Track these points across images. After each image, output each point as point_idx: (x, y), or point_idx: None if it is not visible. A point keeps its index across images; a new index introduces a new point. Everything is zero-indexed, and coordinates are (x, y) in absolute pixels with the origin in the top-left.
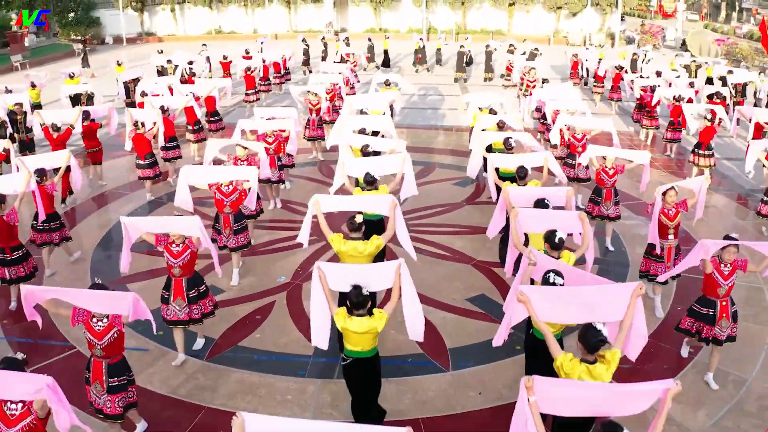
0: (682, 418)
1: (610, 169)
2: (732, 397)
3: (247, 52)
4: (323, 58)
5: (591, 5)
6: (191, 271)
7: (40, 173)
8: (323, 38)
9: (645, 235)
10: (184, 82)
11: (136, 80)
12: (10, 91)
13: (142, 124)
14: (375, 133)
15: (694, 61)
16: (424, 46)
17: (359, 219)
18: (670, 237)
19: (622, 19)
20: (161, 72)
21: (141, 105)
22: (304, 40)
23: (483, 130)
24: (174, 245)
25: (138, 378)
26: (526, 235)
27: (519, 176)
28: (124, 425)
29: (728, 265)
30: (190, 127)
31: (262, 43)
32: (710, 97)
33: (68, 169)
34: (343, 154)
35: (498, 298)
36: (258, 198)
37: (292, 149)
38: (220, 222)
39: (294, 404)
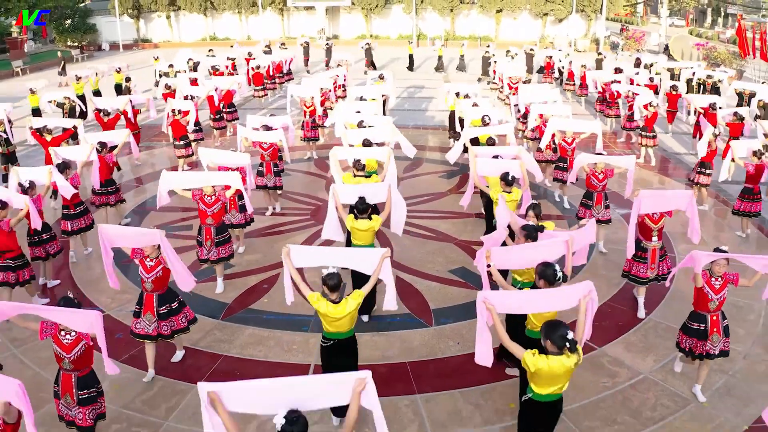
0: (632, 363)
1: (599, 174)
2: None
3: (250, 54)
4: (305, 62)
5: (576, 11)
6: (164, 287)
7: (102, 145)
8: (303, 43)
9: None
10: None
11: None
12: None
13: (179, 111)
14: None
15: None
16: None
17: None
18: (654, 239)
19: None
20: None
21: (165, 96)
22: (306, 44)
23: (462, 119)
24: (148, 259)
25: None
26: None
27: (506, 182)
28: None
29: (719, 279)
30: (211, 116)
31: (267, 47)
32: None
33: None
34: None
35: (476, 270)
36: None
37: (287, 158)
38: (202, 234)
39: (299, 352)
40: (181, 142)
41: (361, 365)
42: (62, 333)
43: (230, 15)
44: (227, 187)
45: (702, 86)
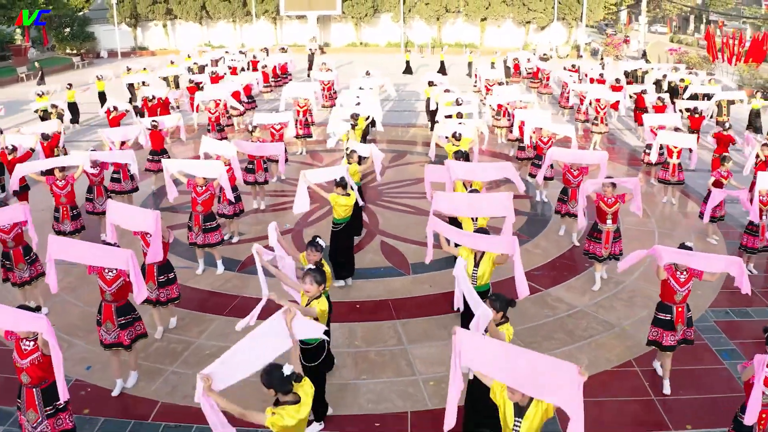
0: (571, 300)
1: (575, 170)
2: (611, 290)
3: (255, 57)
4: (309, 67)
5: (557, 19)
6: (123, 299)
7: (154, 123)
8: (282, 48)
9: None
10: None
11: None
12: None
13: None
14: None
15: (640, 68)
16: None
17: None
18: (608, 222)
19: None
20: (166, 80)
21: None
22: (311, 50)
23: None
24: (107, 271)
25: (188, 283)
26: None
27: (456, 138)
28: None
29: (684, 272)
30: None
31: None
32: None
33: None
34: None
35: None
36: (239, 200)
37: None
38: (192, 220)
39: None
40: (154, 157)
41: (351, 302)
42: (106, 270)
43: (225, 24)
44: (230, 169)
45: (674, 89)
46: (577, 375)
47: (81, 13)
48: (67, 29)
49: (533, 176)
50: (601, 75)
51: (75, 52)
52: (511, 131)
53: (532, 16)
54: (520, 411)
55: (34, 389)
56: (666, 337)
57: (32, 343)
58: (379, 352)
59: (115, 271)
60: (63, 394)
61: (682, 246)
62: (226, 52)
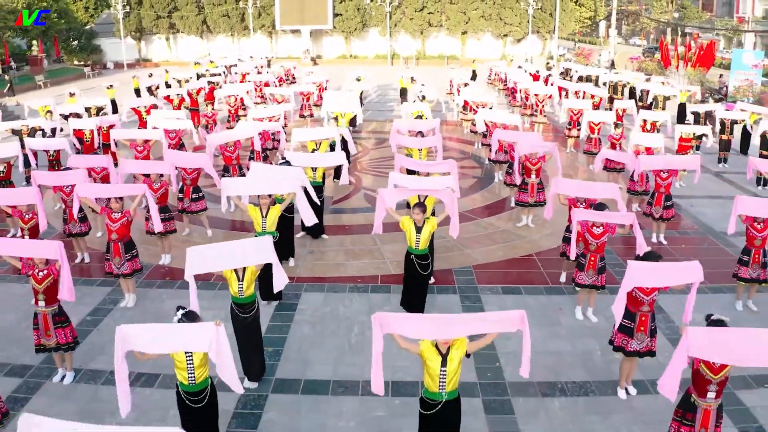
0: (526, 234)
1: (534, 159)
2: None
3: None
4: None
5: (532, 33)
6: (125, 237)
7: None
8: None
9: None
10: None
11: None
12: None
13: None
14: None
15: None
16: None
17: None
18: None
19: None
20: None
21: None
22: (313, 59)
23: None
24: (38, 271)
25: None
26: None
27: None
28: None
29: (599, 226)
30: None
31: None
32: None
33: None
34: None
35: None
36: (170, 219)
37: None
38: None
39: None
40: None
41: (343, 225)
42: (113, 214)
43: (224, 37)
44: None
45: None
46: (521, 319)
47: (88, 27)
48: (75, 42)
49: (510, 185)
50: (537, 71)
51: (82, 63)
52: (474, 124)
53: (508, 30)
54: (444, 360)
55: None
56: (627, 344)
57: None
58: (362, 249)
59: (45, 271)
60: (70, 294)
61: (649, 255)
62: (240, 59)
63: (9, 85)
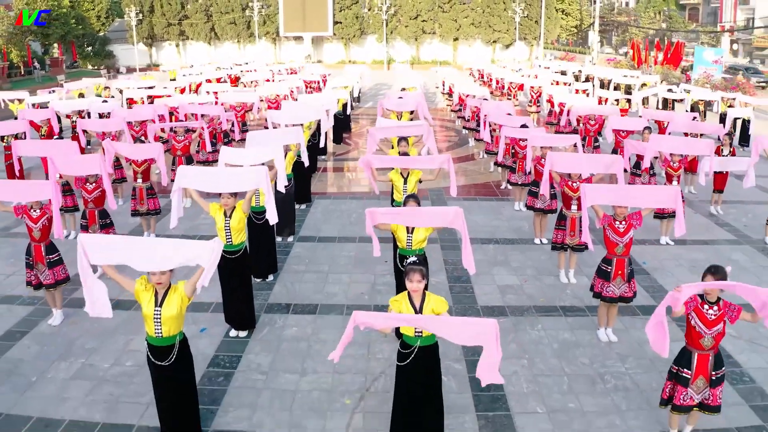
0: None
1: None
2: None
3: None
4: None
5: (519, 39)
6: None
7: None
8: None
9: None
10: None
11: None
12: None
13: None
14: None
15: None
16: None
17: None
18: (573, 208)
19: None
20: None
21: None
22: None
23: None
24: (32, 209)
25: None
26: None
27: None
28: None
29: (623, 222)
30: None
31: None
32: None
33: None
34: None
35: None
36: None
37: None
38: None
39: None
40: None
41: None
42: (87, 184)
43: (231, 44)
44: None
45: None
46: (494, 328)
47: (101, 34)
48: (89, 47)
49: (514, 184)
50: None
51: (96, 68)
52: (464, 117)
53: (497, 36)
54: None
55: (41, 245)
56: (604, 289)
57: (39, 210)
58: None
59: (39, 211)
60: (58, 232)
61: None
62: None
63: None
